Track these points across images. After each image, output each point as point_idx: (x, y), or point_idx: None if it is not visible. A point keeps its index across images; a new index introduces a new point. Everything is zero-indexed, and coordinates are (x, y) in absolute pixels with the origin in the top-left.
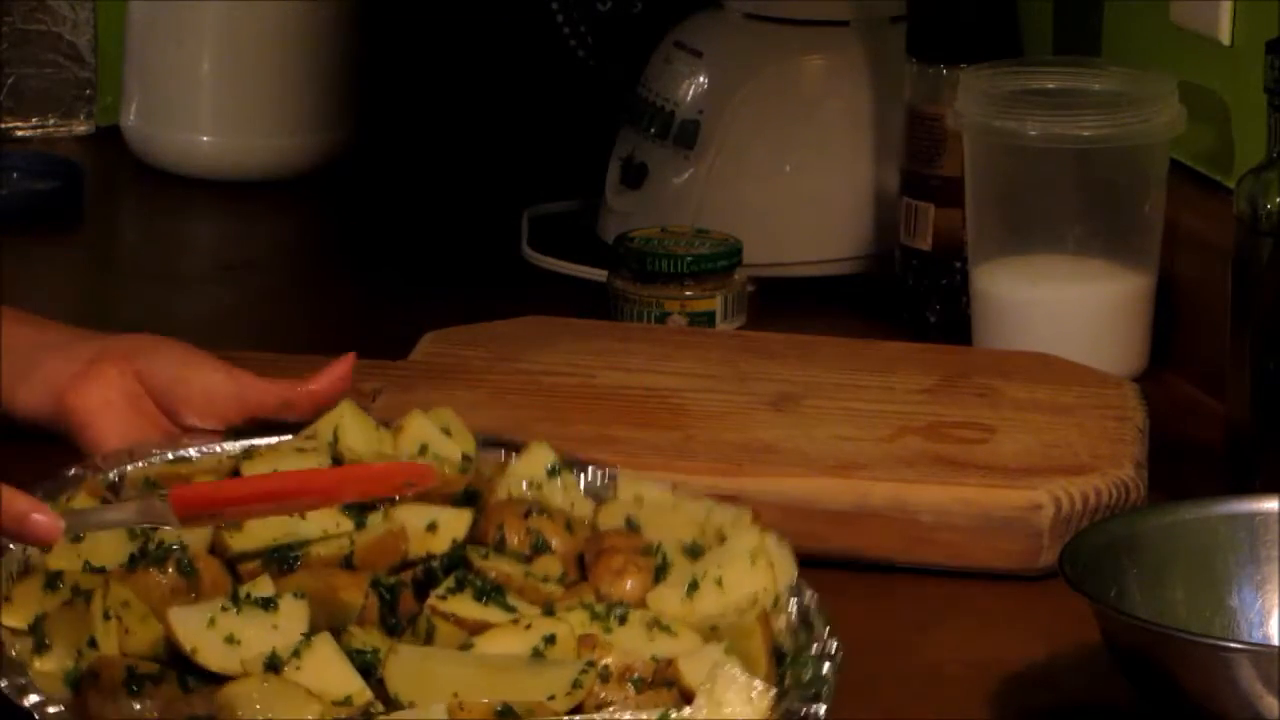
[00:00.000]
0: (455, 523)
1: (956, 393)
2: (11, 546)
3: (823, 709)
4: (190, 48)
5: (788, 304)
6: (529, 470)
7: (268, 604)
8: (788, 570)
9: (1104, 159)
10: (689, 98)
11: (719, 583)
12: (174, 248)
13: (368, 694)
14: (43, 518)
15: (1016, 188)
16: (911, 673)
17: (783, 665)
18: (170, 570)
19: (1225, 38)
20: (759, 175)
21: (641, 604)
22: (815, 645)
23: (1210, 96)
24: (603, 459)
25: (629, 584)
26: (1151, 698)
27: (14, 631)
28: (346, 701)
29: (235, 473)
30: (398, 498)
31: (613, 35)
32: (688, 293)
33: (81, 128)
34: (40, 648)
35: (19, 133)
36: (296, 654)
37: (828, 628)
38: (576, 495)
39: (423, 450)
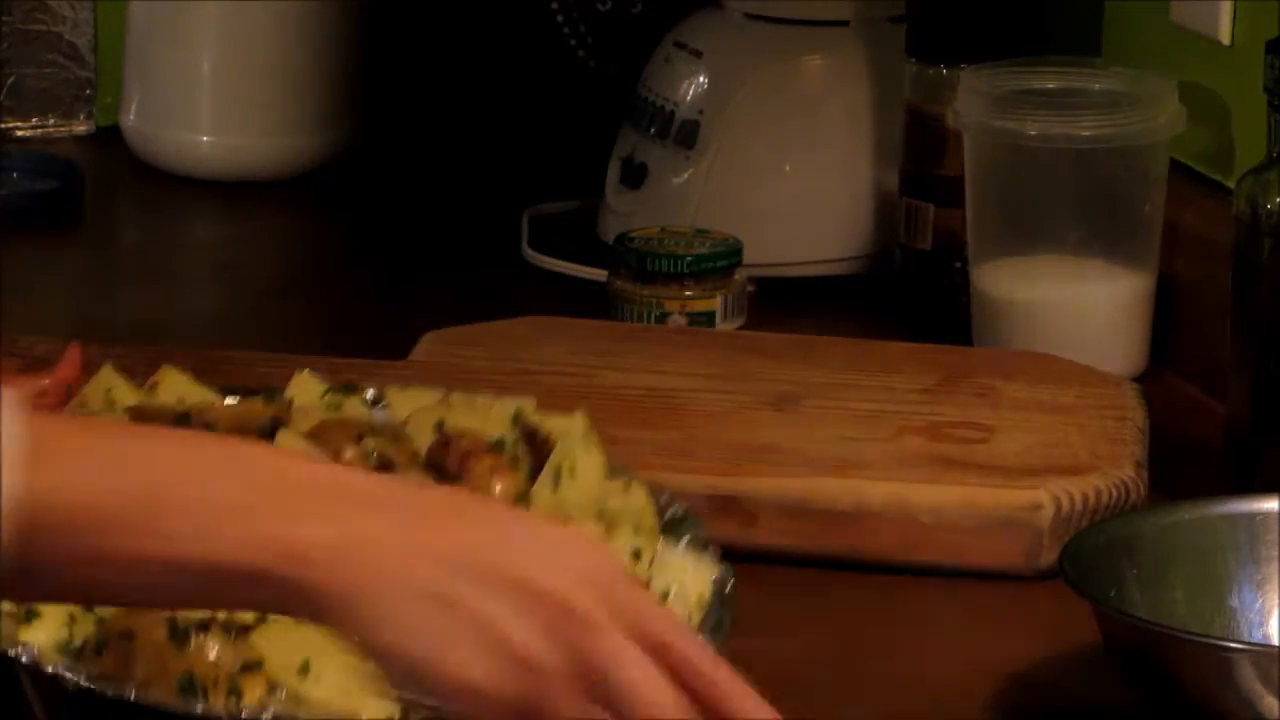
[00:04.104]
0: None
1: (956, 393)
2: None
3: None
4: (190, 48)
5: (788, 304)
6: (310, 395)
7: None
8: (601, 447)
9: (1104, 159)
10: (689, 98)
11: (571, 472)
12: (173, 248)
13: None
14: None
15: (1016, 188)
16: (911, 673)
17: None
18: None
19: (1225, 38)
20: (759, 175)
21: (523, 500)
22: (674, 507)
23: (1210, 96)
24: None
25: (504, 483)
26: (1151, 698)
27: None
28: None
29: None
30: None
31: (613, 35)
32: (688, 293)
33: (81, 128)
34: (29, 616)
35: (19, 133)
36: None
37: (666, 492)
38: (370, 411)
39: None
